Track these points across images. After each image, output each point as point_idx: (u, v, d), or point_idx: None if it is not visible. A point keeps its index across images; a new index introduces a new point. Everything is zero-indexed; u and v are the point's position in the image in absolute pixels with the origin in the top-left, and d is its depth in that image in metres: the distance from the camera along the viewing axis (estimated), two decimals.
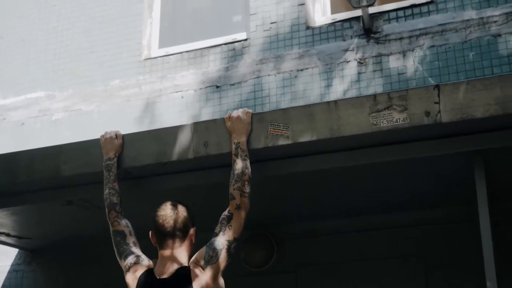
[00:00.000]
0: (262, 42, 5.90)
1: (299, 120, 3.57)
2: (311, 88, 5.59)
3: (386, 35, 5.53)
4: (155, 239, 3.18)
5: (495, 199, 3.74)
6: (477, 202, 3.79)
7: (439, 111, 3.37)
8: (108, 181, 3.62)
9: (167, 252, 3.11)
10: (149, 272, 3.14)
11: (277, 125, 3.59)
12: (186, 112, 5.85)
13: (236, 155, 3.44)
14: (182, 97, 5.95)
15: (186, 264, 3.10)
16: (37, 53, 6.71)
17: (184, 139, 3.76)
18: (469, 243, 4.74)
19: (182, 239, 3.14)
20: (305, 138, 3.55)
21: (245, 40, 5.97)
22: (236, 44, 5.99)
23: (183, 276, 3.03)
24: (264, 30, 5.91)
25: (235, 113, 3.60)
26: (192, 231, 3.19)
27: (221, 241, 3.16)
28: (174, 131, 3.81)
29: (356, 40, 5.61)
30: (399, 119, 3.42)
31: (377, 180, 4.19)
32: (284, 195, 4.52)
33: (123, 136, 3.84)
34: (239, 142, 3.50)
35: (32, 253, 6.03)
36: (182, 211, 3.18)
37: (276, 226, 5.31)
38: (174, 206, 3.19)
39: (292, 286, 5.19)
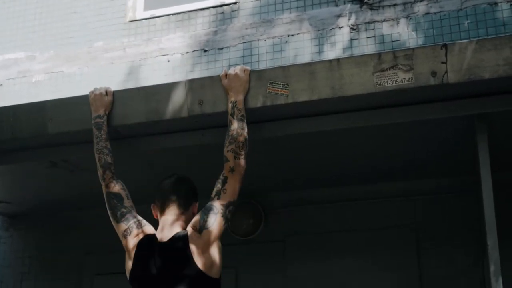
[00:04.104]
0: (252, 6, 5.74)
1: (299, 79, 3.42)
2: (301, 54, 5.46)
3: (380, 1, 5.40)
4: (156, 211, 3.15)
5: (495, 170, 3.63)
6: (474, 172, 3.70)
7: (446, 71, 3.24)
8: (100, 139, 3.43)
9: (167, 217, 3.06)
10: (150, 237, 3.05)
11: (277, 83, 3.44)
12: (172, 76, 5.68)
13: (232, 115, 3.26)
14: (169, 61, 5.78)
15: (184, 229, 3.02)
16: (16, 12, 6.48)
17: (178, 96, 3.58)
18: (464, 215, 4.68)
19: (184, 208, 3.09)
20: (305, 97, 3.40)
21: (234, 3, 5.80)
22: (225, 7, 5.82)
23: (181, 239, 2.94)
24: None
25: (232, 70, 3.43)
26: (194, 204, 3.16)
27: (216, 205, 3.03)
28: (167, 88, 3.63)
29: (349, 5, 5.48)
30: (404, 79, 3.28)
31: (375, 145, 4.08)
32: (276, 161, 4.38)
33: (113, 93, 3.66)
34: (235, 101, 3.32)
35: (10, 218, 5.86)
36: (189, 184, 3.18)
37: (265, 194, 5.20)
38: (180, 178, 3.18)
39: (280, 256, 5.10)
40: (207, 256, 2.91)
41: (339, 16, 5.46)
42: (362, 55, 3.51)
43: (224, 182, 3.10)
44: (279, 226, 5.16)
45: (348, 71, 3.36)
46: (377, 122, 3.54)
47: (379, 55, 3.36)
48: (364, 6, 5.44)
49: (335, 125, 3.59)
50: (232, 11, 5.78)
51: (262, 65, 5.47)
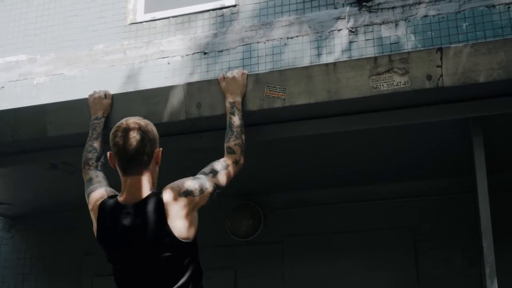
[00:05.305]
0: (251, 9, 5.77)
1: (296, 82, 3.45)
2: (300, 57, 5.48)
3: (378, 4, 5.43)
4: (115, 162, 2.79)
5: (490, 172, 3.66)
6: (470, 174, 3.72)
7: (441, 75, 3.27)
8: (89, 139, 3.44)
9: (132, 178, 2.75)
10: (112, 200, 2.81)
11: (274, 87, 3.47)
12: (172, 78, 5.71)
13: (233, 114, 3.30)
14: (169, 63, 5.81)
15: (154, 189, 2.79)
16: (18, 15, 6.51)
17: (176, 99, 3.62)
18: (461, 216, 4.71)
19: (148, 162, 2.77)
20: (302, 100, 3.43)
21: (234, 6, 5.83)
22: (224, 10, 5.85)
23: (155, 202, 2.70)
24: None
25: (230, 74, 3.47)
26: (157, 151, 2.83)
27: (210, 181, 2.90)
28: (165, 91, 3.67)
29: (348, 8, 5.50)
30: (400, 82, 3.31)
31: (372, 147, 4.12)
32: (274, 163, 4.42)
33: (112, 96, 3.70)
34: (234, 102, 3.37)
35: (12, 220, 5.91)
36: (145, 130, 2.78)
37: (264, 195, 5.23)
38: (136, 124, 2.77)
39: (278, 257, 5.14)
40: (182, 221, 2.71)
41: (338, 18, 5.49)
42: (358, 59, 3.54)
43: (224, 168, 3.01)
44: (278, 227, 5.20)
45: (344, 74, 3.39)
46: (373, 125, 3.57)
47: (375, 58, 3.39)
48: (363, 9, 5.46)
49: (332, 128, 3.63)
50: (232, 13, 5.81)
51: (262, 68, 5.50)
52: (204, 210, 4.54)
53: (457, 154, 4.13)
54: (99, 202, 2.86)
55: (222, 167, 3.02)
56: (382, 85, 3.34)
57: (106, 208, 2.82)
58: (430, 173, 4.65)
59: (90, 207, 2.94)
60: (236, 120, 3.26)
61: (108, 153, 2.85)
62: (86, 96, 3.75)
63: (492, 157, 3.66)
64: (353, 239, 4.96)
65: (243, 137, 3.20)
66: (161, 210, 2.69)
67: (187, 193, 2.77)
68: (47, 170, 4.40)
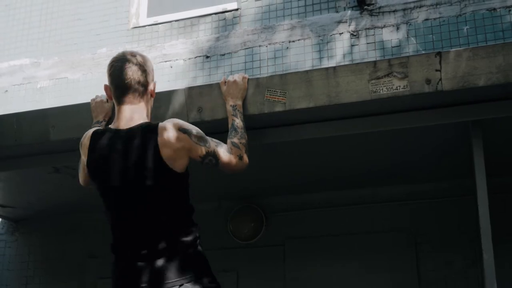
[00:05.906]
0: (253, 13, 5.80)
1: (296, 86, 3.47)
2: (302, 60, 5.52)
3: (379, 7, 5.46)
4: (110, 92, 2.90)
5: (490, 175, 3.68)
6: (470, 176, 3.74)
7: (440, 79, 3.29)
8: None
9: (126, 107, 2.84)
10: (104, 129, 2.89)
11: (274, 91, 3.50)
12: (175, 82, 5.75)
13: (235, 116, 3.31)
14: (171, 67, 5.85)
15: (149, 120, 2.87)
16: (21, 19, 6.57)
17: (177, 104, 3.65)
18: (461, 218, 4.73)
19: (143, 92, 2.85)
20: (302, 105, 3.45)
21: (236, 10, 5.87)
22: (227, 14, 5.89)
23: (149, 127, 2.76)
24: (255, 0, 5.81)
25: (231, 78, 3.50)
26: (152, 85, 2.93)
27: (211, 144, 2.87)
28: (167, 95, 3.69)
29: (349, 11, 5.53)
30: (399, 86, 3.33)
31: (372, 151, 4.14)
32: (275, 166, 4.44)
33: None
34: (235, 105, 3.39)
35: (15, 223, 5.94)
36: (141, 62, 2.87)
37: (265, 198, 5.25)
38: (133, 56, 2.87)
39: (280, 259, 5.16)
40: (171, 152, 2.71)
41: (340, 22, 5.52)
42: (357, 63, 3.56)
43: (228, 152, 2.97)
44: (280, 230, 5.22)
45: (344, 78, 3.41)
46: (373, 128, 3.59)
47: (374, 63, 3.41)
48: (364, 12, 5.49)
49: (332, 131, 3.65)
50: (234, 17, 5.85)
51: (264, 71, 5.53)
52: (206, 212, 4.63)
53: (457, 157, 4.15)
54: (90, 133, 2.92)
55: (226, 149, 2.97)
56: (382, 89, 3.36)
57: (97, 135, 2.87)
58: (430, 176, 4.67)
59: (81, 142, 2.96)
60: (239, 122, 3.27)
61: (104, 85, 2.93)
62: (89, 99, 3.77)
63: (492, 160, 3.68)
64: (354, 242, 4.98)
65: (247, 137, 3.20)
66: (154, 134, 2.72)
67: (186, 131, 2.79)
68: (50, 174, 4.43)
